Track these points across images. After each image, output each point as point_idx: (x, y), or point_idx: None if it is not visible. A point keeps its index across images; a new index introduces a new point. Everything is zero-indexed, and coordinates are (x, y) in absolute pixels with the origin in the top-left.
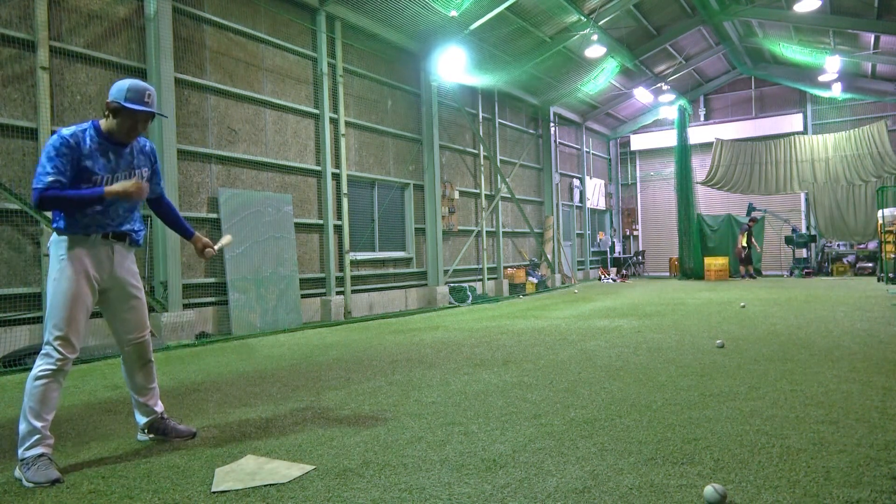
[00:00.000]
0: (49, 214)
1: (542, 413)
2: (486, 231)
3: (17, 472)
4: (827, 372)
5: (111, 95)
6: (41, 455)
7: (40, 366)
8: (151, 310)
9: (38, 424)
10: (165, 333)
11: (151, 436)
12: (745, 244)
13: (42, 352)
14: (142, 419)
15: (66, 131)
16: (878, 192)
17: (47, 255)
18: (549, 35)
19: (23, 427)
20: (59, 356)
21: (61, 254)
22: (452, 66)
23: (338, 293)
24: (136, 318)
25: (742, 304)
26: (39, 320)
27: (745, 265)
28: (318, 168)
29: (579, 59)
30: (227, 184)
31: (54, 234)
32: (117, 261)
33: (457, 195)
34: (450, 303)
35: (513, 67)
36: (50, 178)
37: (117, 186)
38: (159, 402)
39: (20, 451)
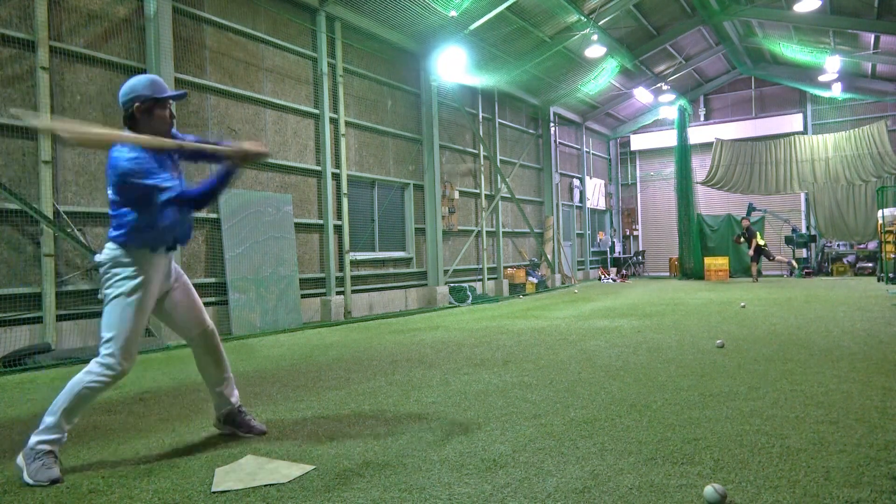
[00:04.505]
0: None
1: (542, 413)
2: (486, 231)
3: (20, 461)
4: (827, 372)
5: (134, 97)
6: (49, 452)
7: (98, 374)
8: None
9: (67, 426)
10: (165, 333)
11: (227, 428)
12: (759, 242)
13: (102, 361)
14: (217, 410)
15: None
16: (878, 192)
17: (101, 265)
18: (549, 35)
19: (50, 420)
20: (121, 368)
21: (132, 268)
22: (452, 66)
23: (338, 293)
24: (195, 305)
25: (742, 303)
26: (39, 320)
27: (756, 263)
28: (318, 168)
29: (579, 59)
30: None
31: (112, 245)
32: (169, 267)
33: (457, 195)
34: (450, 303)
35: (513, 67)
36: (169, 183)
37: (249, 146)
38: (235, 392)
39: (35, 436)
